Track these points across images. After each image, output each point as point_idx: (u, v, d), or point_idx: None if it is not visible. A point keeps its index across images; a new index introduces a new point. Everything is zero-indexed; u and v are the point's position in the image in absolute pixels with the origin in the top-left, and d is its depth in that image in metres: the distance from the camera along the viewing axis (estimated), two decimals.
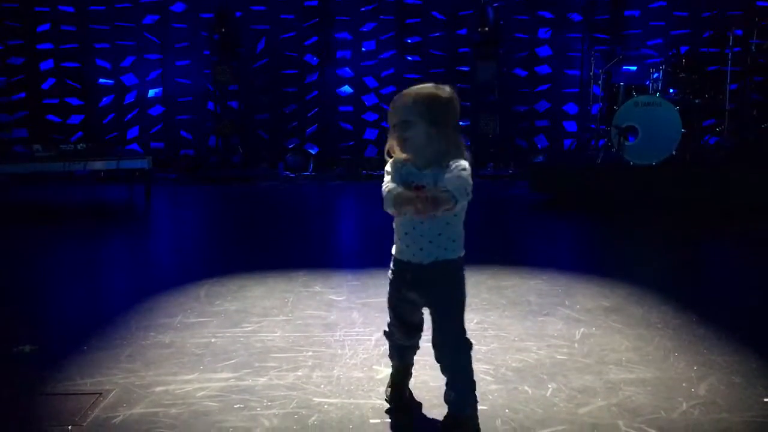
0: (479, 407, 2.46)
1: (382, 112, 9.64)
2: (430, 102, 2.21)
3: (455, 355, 2.31)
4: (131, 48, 9.74)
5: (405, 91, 2.26)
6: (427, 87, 2.25)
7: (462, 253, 2.33)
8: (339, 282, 4.22)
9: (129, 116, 9.83)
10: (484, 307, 3.65)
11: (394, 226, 2.35)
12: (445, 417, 2.35)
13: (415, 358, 2.56)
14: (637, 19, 9.69)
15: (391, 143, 2.28)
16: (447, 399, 2.34)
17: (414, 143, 2.22)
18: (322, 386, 2.71)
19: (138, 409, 2.52)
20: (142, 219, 6.84)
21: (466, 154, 2.25)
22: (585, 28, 9.52)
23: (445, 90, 2.25)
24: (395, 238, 2.35)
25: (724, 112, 8.16)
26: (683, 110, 7.53)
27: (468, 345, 2.33)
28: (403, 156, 2.25)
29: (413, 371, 2.59)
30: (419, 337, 2.48)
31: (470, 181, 2.17)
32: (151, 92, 9.85)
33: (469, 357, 2.32)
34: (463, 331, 2.33)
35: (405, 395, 2.55)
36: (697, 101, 7.88)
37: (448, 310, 2.31)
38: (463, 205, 2.21)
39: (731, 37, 8.09)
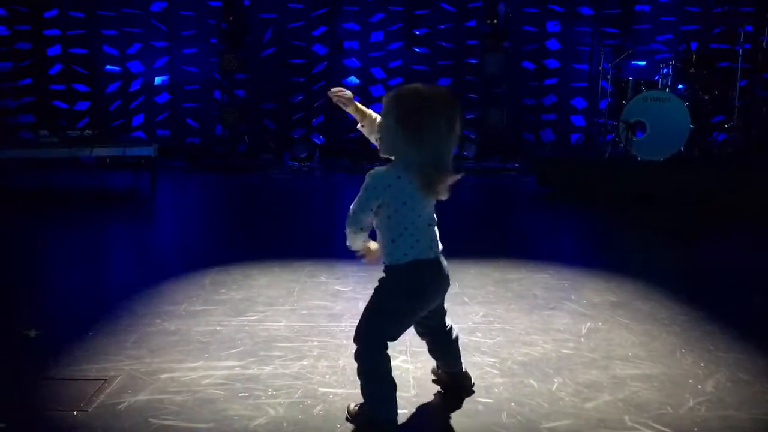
0: (484, 401, 2.46)
1: None
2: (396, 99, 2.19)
3: (357, 353, 2.27)
4: (138, 35, 9.71)
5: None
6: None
7: (391, 261, 2.25)
8: (344, 272, 4.21)
9: (135, 103, 9.81)
10: (490, 301, 3.64)
11: None
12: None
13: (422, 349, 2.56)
14: (648, 13, 9.63)
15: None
16: None
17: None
18: (327, 376, 2.71)
19: (143, 396, 2.52)
20: (147, 206, 6.83)
21: (397, 162, 2.20)
22: (595, 22, 9.47)
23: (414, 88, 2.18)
24: None
25: (733, 109, 8.11)
26: (692, 106, 7.49)
27: (369, 351, 2.24)
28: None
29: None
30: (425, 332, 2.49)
31: (356, 204, 2.20)
32: (158, 80, 9.83)
33: (371, 362, 2.24)
34: (368, 335, 2.25)
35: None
36: (706, 97, 7.84)
37: (364, 311, 2.31)
38: (386, 214, 2.21)
39: (742, 34, 8.04)
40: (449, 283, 2.35)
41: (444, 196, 2.22)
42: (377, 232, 2.30)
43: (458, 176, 2.21)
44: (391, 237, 2.23)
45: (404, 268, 2.23)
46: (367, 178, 2.19)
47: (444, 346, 2.49)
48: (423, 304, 2.29)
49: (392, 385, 2.27)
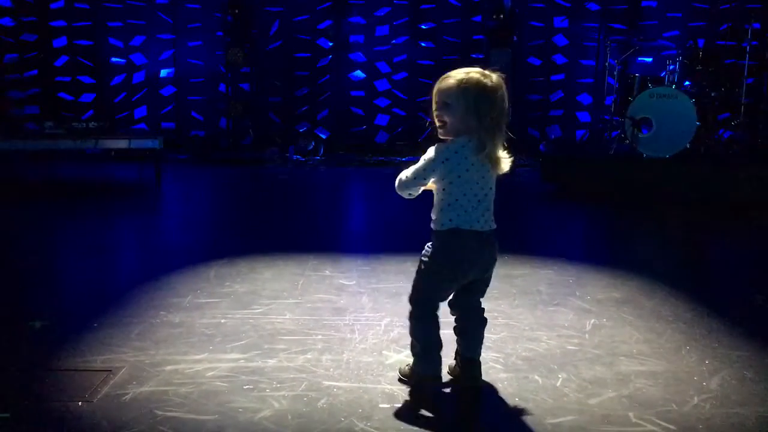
0: (488, 396, 2.45)
1: (394, 97, 9.61)
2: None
3: (409, 314, 2.48)
4: (144, 27, 9.71)
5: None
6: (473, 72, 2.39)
7: (437, 227, 2.42)
8: (349, 266, 4.22)
9: (139, 95, 9.82)
10: (494, 296, 3.62)
11: None
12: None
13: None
14: (655, 9, 9.59)
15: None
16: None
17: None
18: (331, 370, 2.71)
19: (147, 387, 2.52)
20: (152, 199, 6.84)
21: (458, 139, 2.36)
22: (602, 18, 9.43)
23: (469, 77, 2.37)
24: None
25: (739, 106, 8.08)
26: (698, 103, 7.46)
27: (418, 311, 2.45)
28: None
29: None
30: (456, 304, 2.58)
31: (411, 171, 2.40)
32: (163, 72, 9.83)
33: (420, 322, 2.46)
34: (415, 295, 2.46)
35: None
36: (713, 94, 7.80)
37: (414, 276, 2.49)
38: (441, 186, 2.39)
39: (749, 30, 8.00)
40: (495, 259, 2.48)
41: (505, 168, 2.41)
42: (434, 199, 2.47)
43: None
44: (441, 206, 2.41)
45: (444, 234, 2.40)
46: (429, 152, 2.37)
47: (472, 324, 2.56)
48: (460, 270, 2.43)
49: (438, 344, 2.45)
